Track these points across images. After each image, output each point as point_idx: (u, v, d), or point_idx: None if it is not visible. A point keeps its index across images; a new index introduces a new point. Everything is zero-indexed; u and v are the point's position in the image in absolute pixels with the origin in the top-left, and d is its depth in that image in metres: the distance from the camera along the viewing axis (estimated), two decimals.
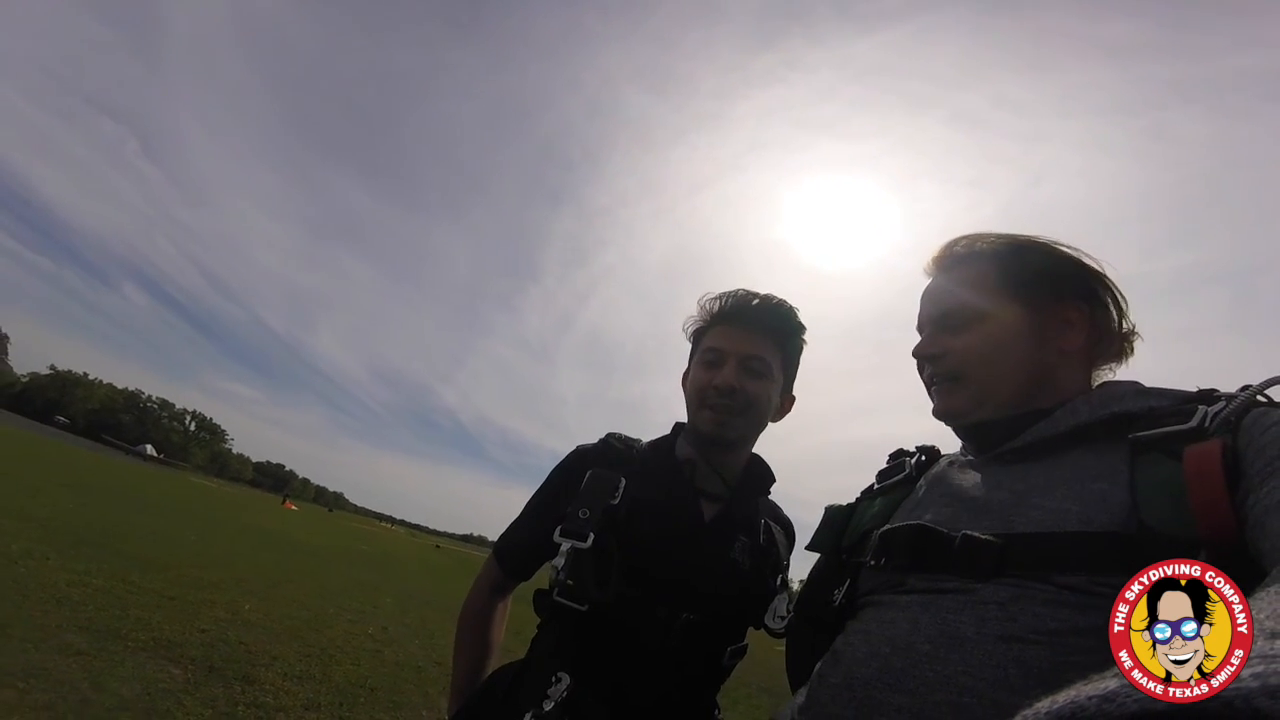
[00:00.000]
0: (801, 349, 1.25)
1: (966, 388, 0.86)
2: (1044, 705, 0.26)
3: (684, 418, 1.25)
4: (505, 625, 1.32)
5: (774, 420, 1.25)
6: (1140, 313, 0.87)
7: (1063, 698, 0.25)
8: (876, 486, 1.00)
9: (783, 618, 1.11)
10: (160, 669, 3.76)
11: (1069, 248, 0.87)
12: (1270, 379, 0.70)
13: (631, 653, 1.05)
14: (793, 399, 1.27)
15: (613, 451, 1.20)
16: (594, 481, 1.12)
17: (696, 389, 1.18)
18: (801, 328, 1.23)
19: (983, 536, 0.71)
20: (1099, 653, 0.55)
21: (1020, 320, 0.84)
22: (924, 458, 0.99)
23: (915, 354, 0.93)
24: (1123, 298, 0.86)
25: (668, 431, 1.30)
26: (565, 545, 1.05)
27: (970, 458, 0.89)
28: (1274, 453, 0.60)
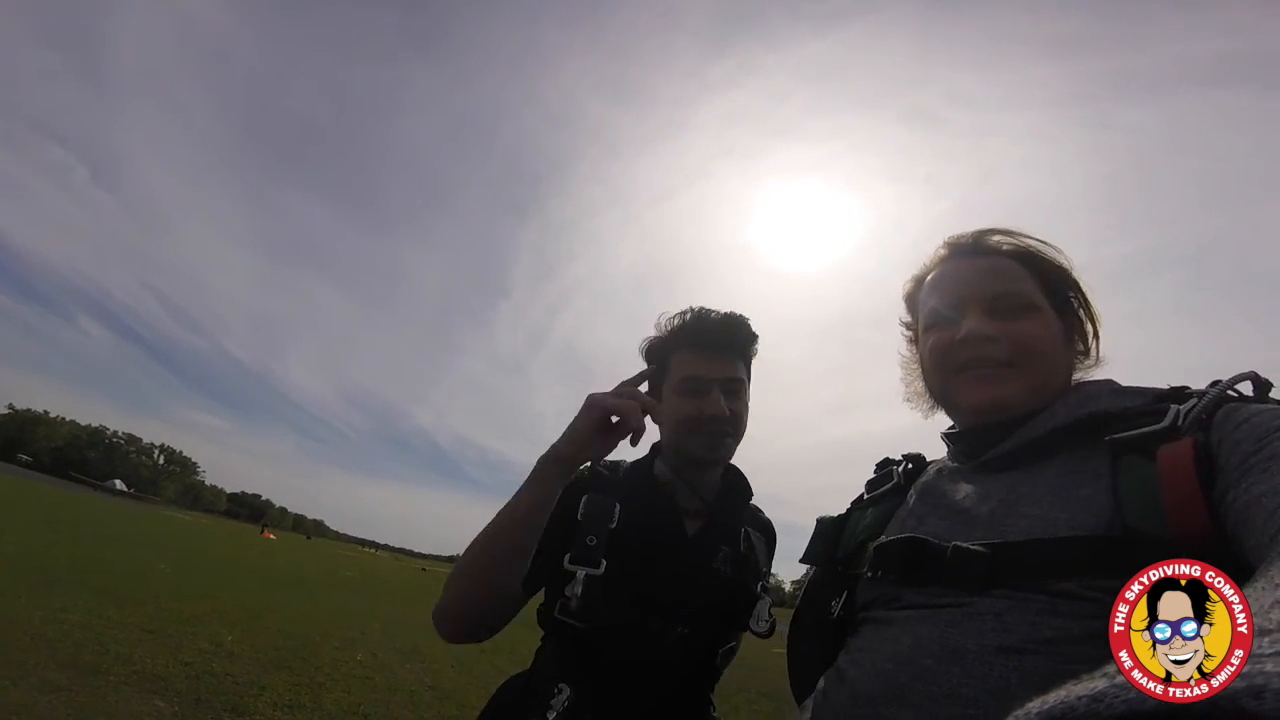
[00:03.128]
0: (755, 356, 1.27)
1: (1021, 376, 0.81)
2: (1034, 705, 0.26)
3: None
4: None
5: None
6: (1093, 300, 0.88)
7: (1053, 698, 0.26)
8: (866, 497, 1.00)
9: (765, 621, 1.17)
10: (146, 703, 3.63)
11: (1068, 261, 0.89)
12: (1239, 375, 0.71)
13: (628, 664, 1.10)
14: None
15: (600, 477, 1.22)
16: (593, 508, 1.14)
17: (685, 418, 1.17)
18: (756, 337, 1.25)
19: (973, 548, 0.71)
20: (1097, 660, 0.56)
21: (1058, 321, 0.84)
22: (911, 466, 0.98)
23: (966, 334, 0.83)
24: (1099, 319, 0.89)
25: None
26: (580, 573, 1.08)
27: (957, 465, 0.89)
28: (1248, 449, 0.61)
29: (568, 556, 1.09)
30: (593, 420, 1.02)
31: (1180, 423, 0.68)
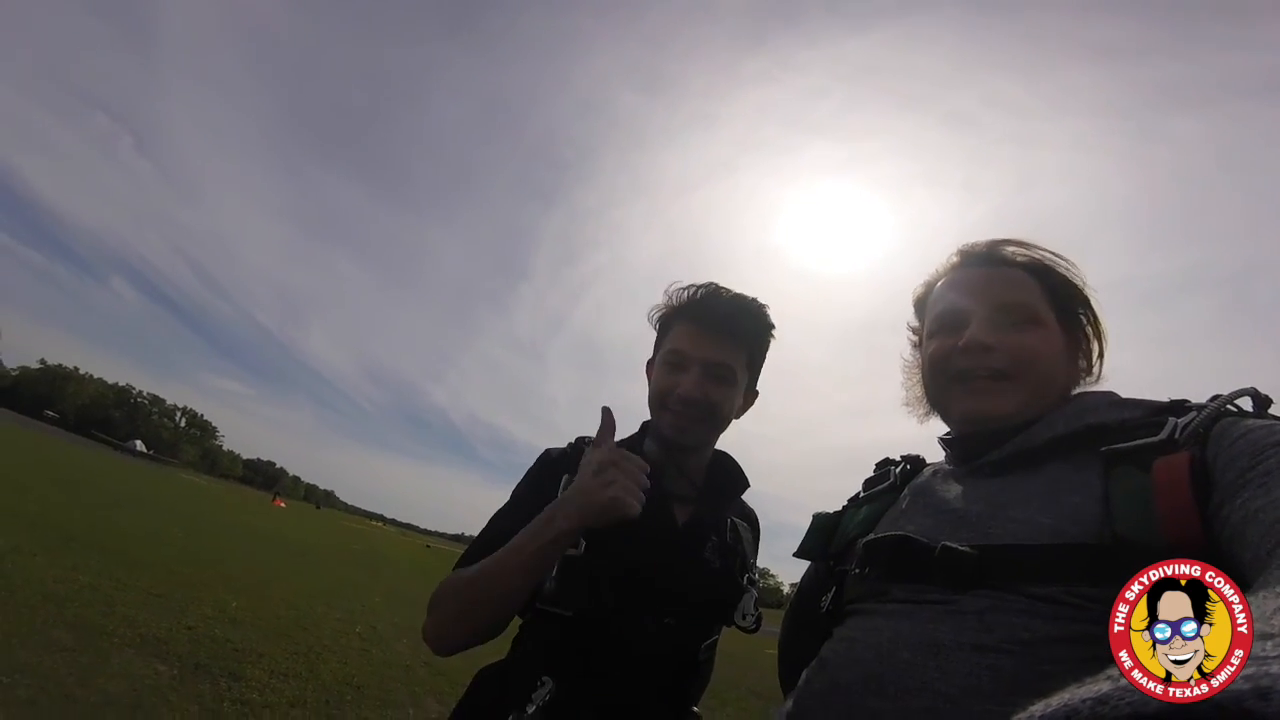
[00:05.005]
0: (768, 346, 1.21)
1: (1017, 389, 0.83)
2: (1038, 709, 0.26)
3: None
4: None
5: (735, 418, 1.23)
6: (1125, 318, 0.90)
7: (1056, 700, 0.26)
8: (862, 495, 1.02)
9: (751, 615, 1.13)
10: (147, 665, 3.76)
11: (1079, 274, 0.89)
12: (1238, 390, 0.71)
13: (612, 656, 1.05)
14: (755, 394, 1.25)
15: (584, 455, 1.14)
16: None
17: (659, 391, 1.15)
18: (770, 326, 1.19)
19: (960, 548, 0.73)
20: (1069, 662, 0.60)
21: (1061, 336, 0.85)
22: (909, 467, 1.00)
23: (967, 343, 0.85)
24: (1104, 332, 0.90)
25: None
26: None
27: (952, 468, 0.90)
28: (1244, 464, 0.61)
29: None
30: (595, 508, 0.94)
31: (1177, 436, 0.68)
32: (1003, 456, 0.81)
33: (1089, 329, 0.88)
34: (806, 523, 1.07)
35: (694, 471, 1.20)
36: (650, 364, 1.23)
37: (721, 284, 1.18)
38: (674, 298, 1.19)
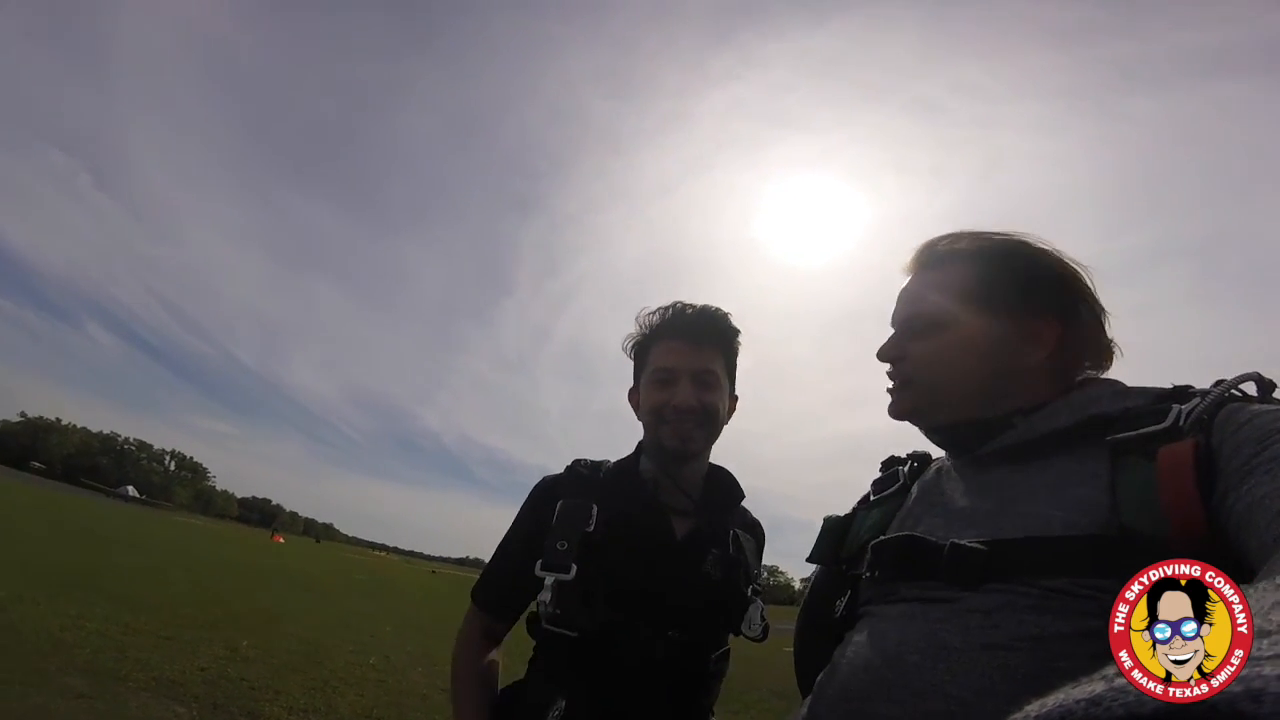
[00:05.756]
0: (738, 350, 1.27)
1: (912, 393, 0.88)
2: (1033, 709, 0.26)
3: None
4: (499, 669, 1.29)
5: (724, 423, 1.27)
6: (1101, 293, 0.84)
7: (1051, 701, 0.25)
8: (873, 497, 1.01)
9: (757, 625, 1.17)
10: (165, 708, 3.70)
11: (1055, 253, 0.85)
12: (1242, 375, 0.71)
13: (621, 672, 1.09)
14: (736, 398, 1.29)
15: (580, 478, 1.22)
16: (567, 511, 1.15)
17: (653, 407, 1.19)
18: (737, 331, 1.25)
19: (969, 544, 0.72)
20: (1079, 657, 0.59)
21: (981, 330, 0.83)
22: (916, 464, 1.00)
23: (878, 355, 0.93)
24: (1102, 310, 0.85)
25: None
26: (549, 579, 1.09)
27: (956, 463, 0.90)
28: (1250, 450, 0.60)
29: (539, 563, 1.10)
30: None
31: (1182, 423, 0.67)
32: (1002, 447, 0.80)
33: (1035, 310, 0.83)
34: (801, 516, 1.14)
35: (690, 485, 1.23)
36: (633, 391, 1.29)
37: (683, 300, 1.25)
38: (645, 323, 1.25)
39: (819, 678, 0.81)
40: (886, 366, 0.93)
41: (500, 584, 1.24)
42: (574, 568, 1.08)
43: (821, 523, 1.05)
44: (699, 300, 1.25)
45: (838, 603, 0.92)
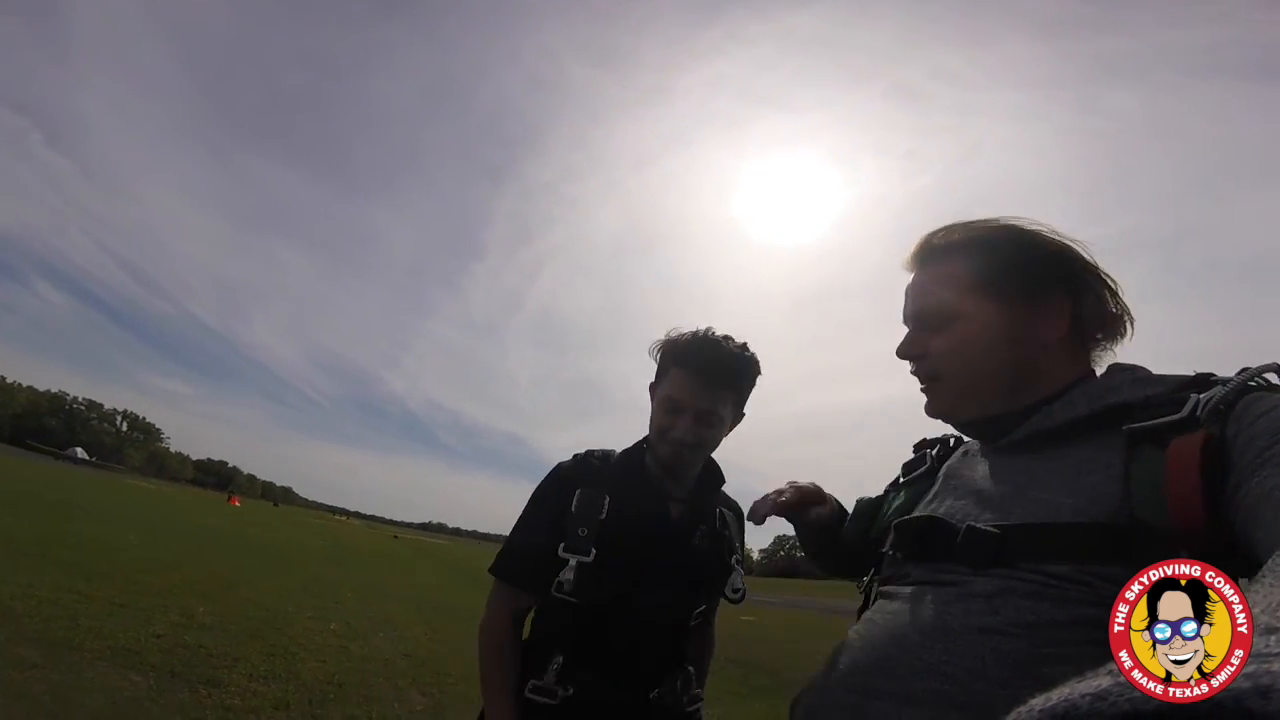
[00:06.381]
0: (755, 382, 1.38)
1: (947, 389, 0.89)
2: (1038, 702, 0.26)
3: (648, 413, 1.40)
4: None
5: (725, 435, 1.41)
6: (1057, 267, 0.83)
7: (1056, 695, 0.25)
8: (902, 480, 1.04)
9: (738, 590, 1.35)
10: (122, 677, 3.69)
11: (1049, 232, 0.85)
12: (1267, 364, 0.70)
13: (616, 633, 1.29)
14: (743, 415, 1.42)
15: (592, 469, 1.38)
16: (584, 501, 1.31)
17: (658, 428, 1.34)
18: (758, 372, 1.36)
19: (985, 528, 0.74)
20: (1071, 645, 0.63)
21: (996, 318, 0.83)
22: (944, 449, 1.03)
23: (897, 353, 0.93)
24: (1110, 279, 0.85)
25: (632, 427, 1.51)
26: (572, 560, 1.25)
27: (979, 447, 0.92)
28: (1264, 443, 0.60)
29: (562, 545, 1.26)
30: None
31: (1199, 413, 0.67)
32: (1024, 435, 0.81)
33: (1043, 289, 0.83)
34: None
35: (687, 478, 1.42)
36: (653, 388, 1.39)
37: (716, 331, 1.34)
38: (675, 342, 1.34)
39: (832, 652, 0.84)
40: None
41: (530, 561, 1.34)
42: (593, 551, 1.25)
43: (854, 504, 1.11)
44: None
45: (862, 580, 0.99)
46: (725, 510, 1.45)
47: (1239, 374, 0.70)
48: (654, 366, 1.39)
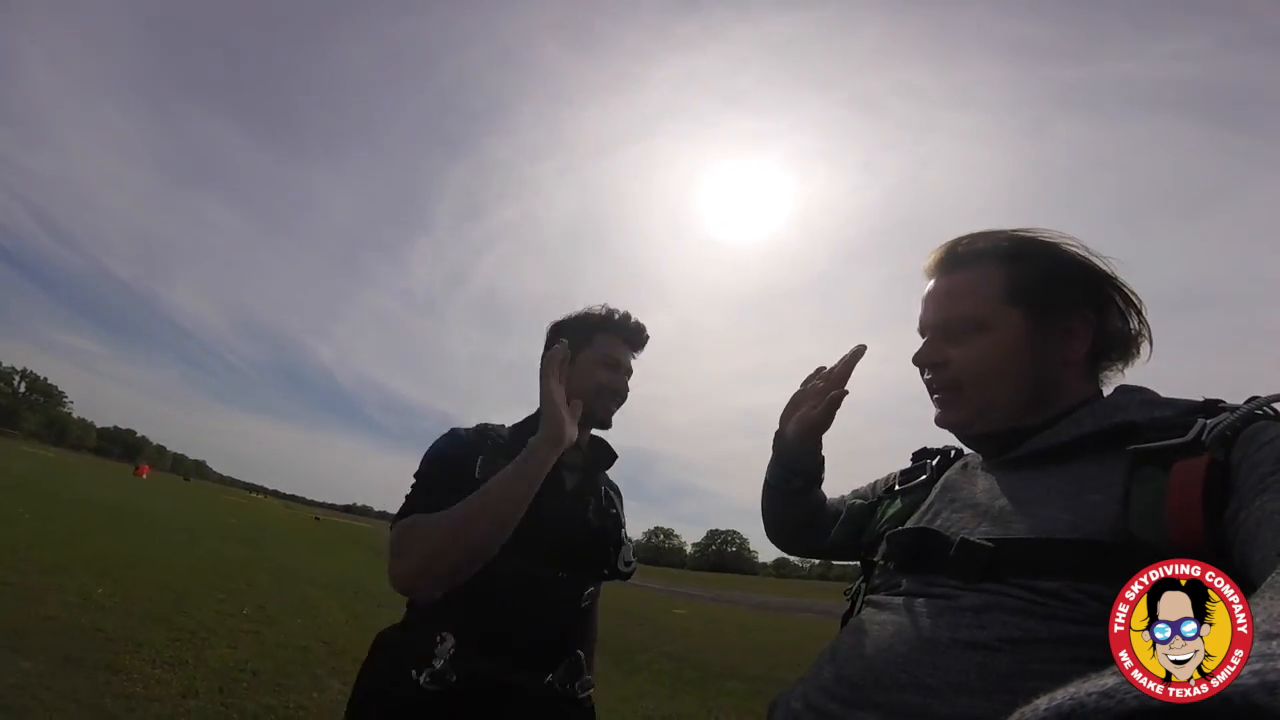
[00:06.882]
0: None
1: (967, 399, 0.87)
2: (1043, 702, 0.26)
3: None
4: None
5: None
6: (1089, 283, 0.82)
7: (1062, 694, 0.26)
8: (898, 487, 1.03)
9: (628, 564, 1.39)
10: (7, 662, 3.42)
11: (1076, 246, 0.85)
12: (1276, 394, 0.70)
13: (509, 609, 1.22)
14: None
15: (490, 439, 1.36)
16: (487, 470, 1.26)
17: (603, 385, 1.41)
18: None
19: (978, 542, 0.73)
20: (1056, 662, 0.63)
21: (1021, 331, 0.83)
22: (943, 459, 1.02)
23: (915, 360, 0.91)
24: (1135, 297, 0.85)
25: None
26: None
27: (980, 461, 0.92)
28: (1267, 469, 0.61)
29: None
30: (567, 439, 1.25)
31: (1204, 438, 0.67)
32: (1029, 452, 0.81)
33: (1069, 305, 0.84)
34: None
35: (582, 446, 1.44)
36: (564, 360, 1.34)
37: (624, 308, 1.50)
38: (595, 314, 1.47)
39: (818, 660, 0.83)
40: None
41: (440, 495, 1.18)
42: None
43: (845, 510, 1.08)
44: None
45: (849, 586, 0.97)
46: (608, 488, 1.50)
47: (1247, 402, 0.70)
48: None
